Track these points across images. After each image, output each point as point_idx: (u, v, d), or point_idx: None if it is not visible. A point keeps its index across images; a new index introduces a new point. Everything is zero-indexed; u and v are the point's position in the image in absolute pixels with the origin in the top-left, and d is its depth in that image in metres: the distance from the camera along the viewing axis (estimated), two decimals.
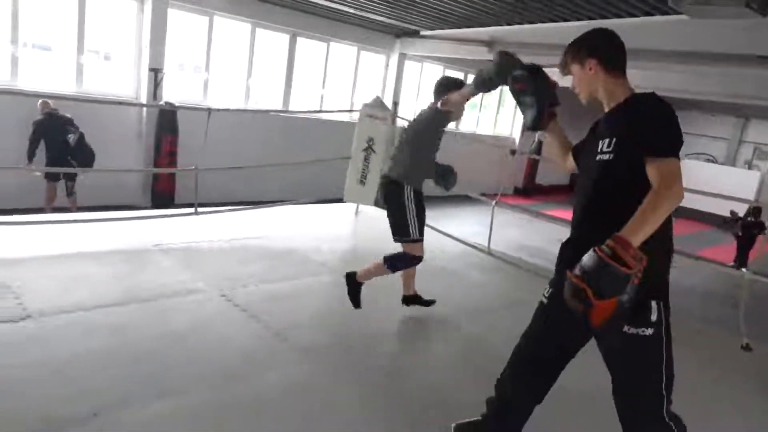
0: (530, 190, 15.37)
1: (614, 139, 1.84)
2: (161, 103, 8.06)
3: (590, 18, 7.24)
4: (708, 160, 16.66)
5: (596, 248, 1.58)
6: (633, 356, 1.88)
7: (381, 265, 3.48)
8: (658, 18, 6.65)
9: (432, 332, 3.80)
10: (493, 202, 6.14)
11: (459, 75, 13.09)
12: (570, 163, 2.28)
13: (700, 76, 10.00)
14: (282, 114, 9.83)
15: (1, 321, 3.06)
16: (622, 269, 1.53)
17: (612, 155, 1.84)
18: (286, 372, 2.95)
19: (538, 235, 8.91)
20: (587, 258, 1.59)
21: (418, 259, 3.51)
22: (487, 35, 8.87)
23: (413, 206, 3.40)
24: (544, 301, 2.12)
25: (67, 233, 4.66)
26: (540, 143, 13.60)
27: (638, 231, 1.60)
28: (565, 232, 2.13)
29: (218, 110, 6.29)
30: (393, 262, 3.47)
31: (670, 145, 1.72)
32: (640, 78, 10.16)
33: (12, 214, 5.11)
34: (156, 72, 8.13)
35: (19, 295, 3.38)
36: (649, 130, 1.75)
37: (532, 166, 15.17)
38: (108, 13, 7.94)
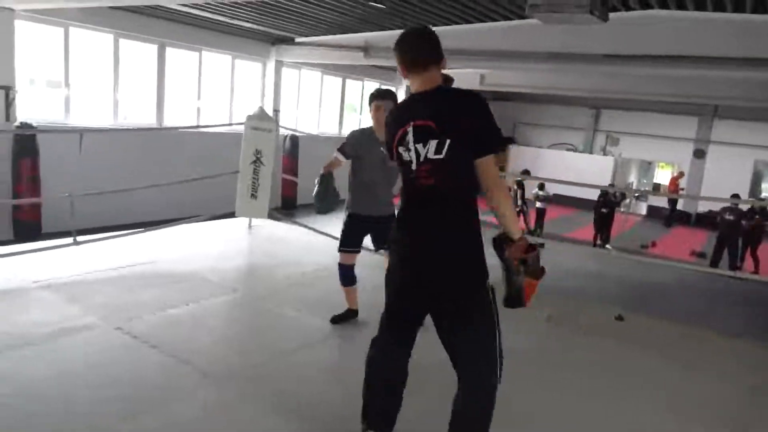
0: None
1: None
2: (16, 124, 7.32)
3: (456, 23, 7.71)
4: (568, 149, 18.33)
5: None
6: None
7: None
8: (517, 22, 7.25)
9: (346, 342, 3.82)
10: None
11: (337, 80, 13.25)
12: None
13: (559, 73, 10.97)
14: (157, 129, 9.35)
15: None
16: None
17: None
18: (194, 399, 2.87)
19: None
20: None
21: (342, 267, 3.86)
22: (363, 40, 9.07)
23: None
24: None
25: None
26: None
27: None
28: None
29: (90, 130, 5.85)
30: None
31: None
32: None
33: None
34: (7, 90, 7.37)
35: None
36: None
37: None
38: None
